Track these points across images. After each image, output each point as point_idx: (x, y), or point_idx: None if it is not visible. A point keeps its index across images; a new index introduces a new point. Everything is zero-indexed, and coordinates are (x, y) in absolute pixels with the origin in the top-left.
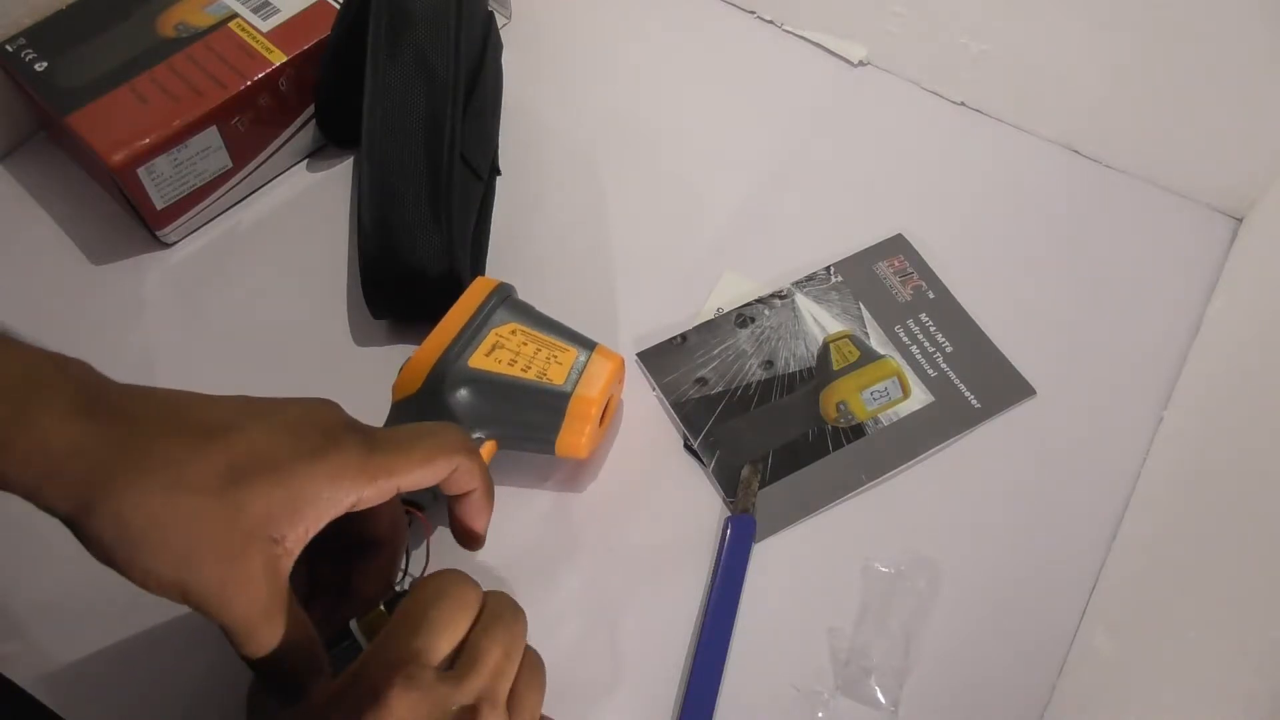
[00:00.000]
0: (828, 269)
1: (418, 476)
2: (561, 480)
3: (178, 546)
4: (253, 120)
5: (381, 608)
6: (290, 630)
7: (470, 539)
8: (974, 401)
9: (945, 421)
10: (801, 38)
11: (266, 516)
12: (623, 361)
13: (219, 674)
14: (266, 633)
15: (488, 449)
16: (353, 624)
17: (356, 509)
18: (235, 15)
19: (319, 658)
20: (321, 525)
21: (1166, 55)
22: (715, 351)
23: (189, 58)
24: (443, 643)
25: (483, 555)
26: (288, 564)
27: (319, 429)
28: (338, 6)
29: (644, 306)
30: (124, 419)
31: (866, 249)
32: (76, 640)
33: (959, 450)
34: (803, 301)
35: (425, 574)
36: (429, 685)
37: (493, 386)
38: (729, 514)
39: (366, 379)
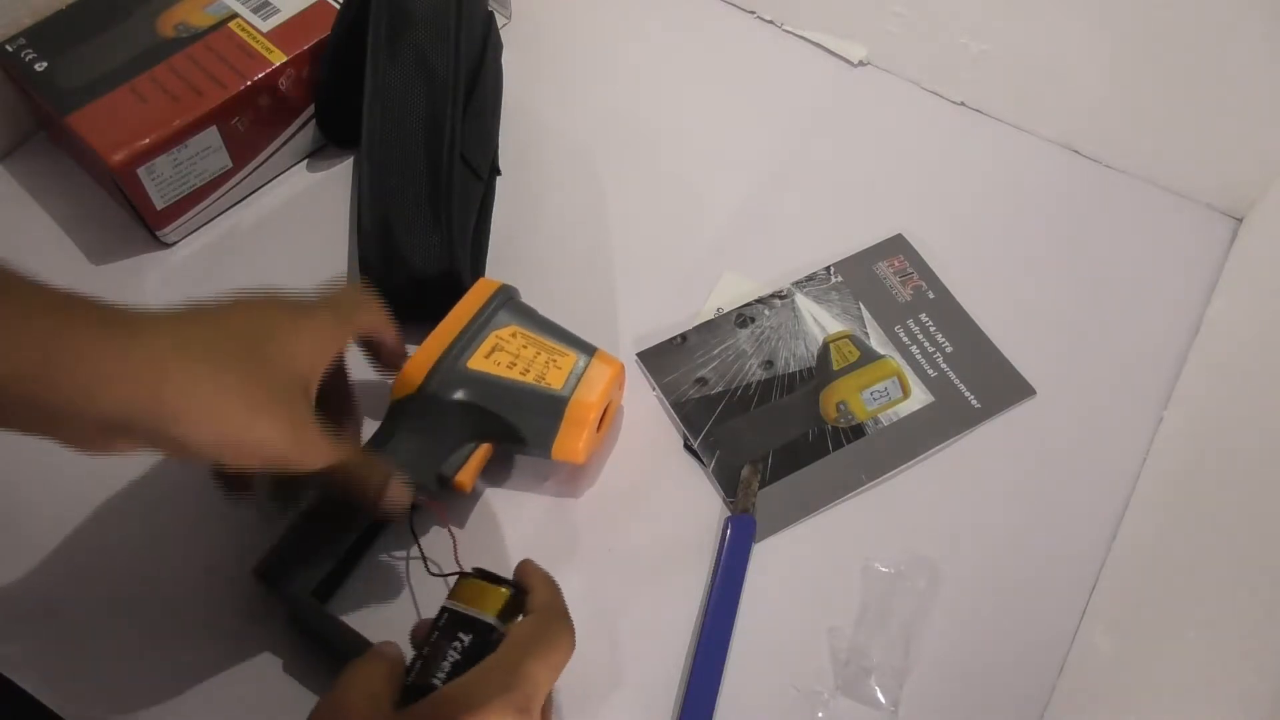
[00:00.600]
0: (828, 269)
1: (372, 319)
2: (562, 480)
3: (240, 408)
4: (253, 120)
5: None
6: (342, 446)
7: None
8: (974, 401)
9: (945, 421)
10: (801, 38)
11: (293, 365)
12: (622, 368)
13: (219, 674)
14: (327, 451)
15: (482, 452)
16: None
17: (338, 354)
18: (235, 15)
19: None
20: (327, 363)
21: (1167, 55)
22: (715, 351)
23: (189, 58)
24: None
25: (483, 555)
26: (313, 399)
27: (290, 304)
28: (338, 6)
29: (644, 306)
30: (147, 323)
31: (866, 249)
32: (77, 640)
33: (959, 450)
34: (803, 301)
35: (521, 573)
36: None
37: (490, 388)
38: (729, 514)
39: (366, 378)
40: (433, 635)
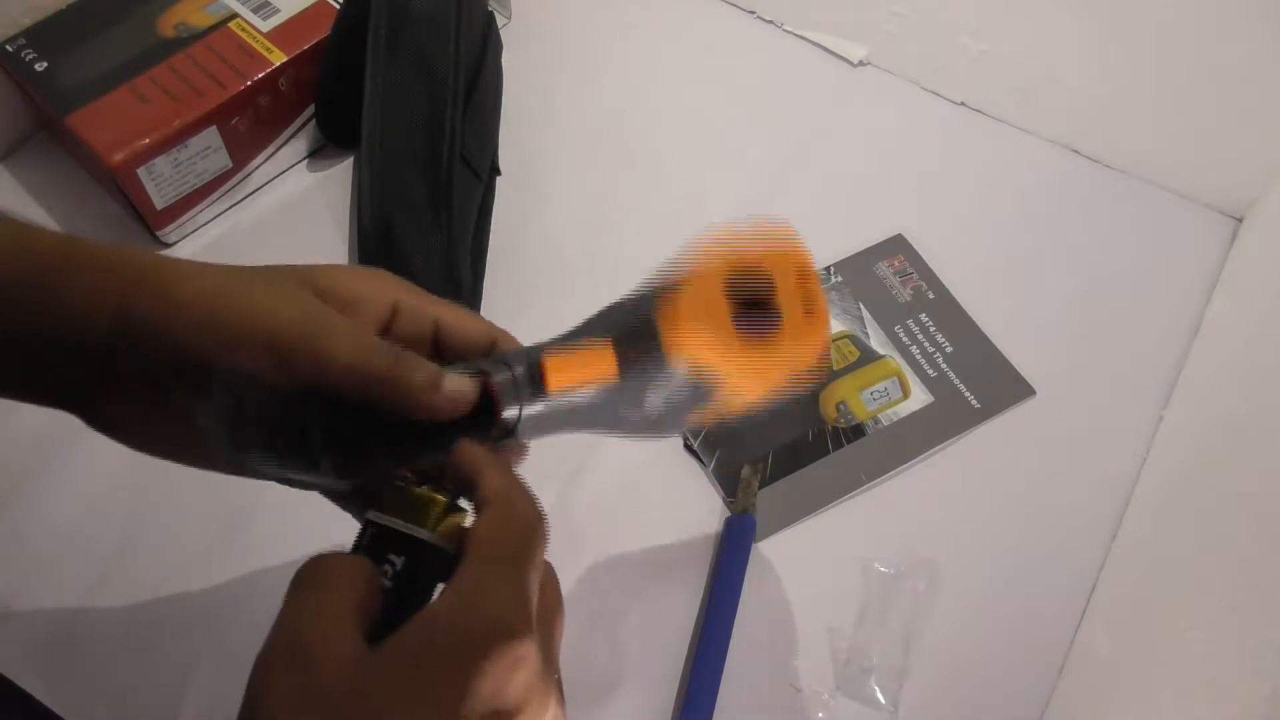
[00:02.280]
0: (828, 269)
1: (456, 315)
2: (562, 480)
3: (236, 276)
4: (253, 120)
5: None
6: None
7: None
8: (974, 402)
9: (945, 422)
10: (801, 38)
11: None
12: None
13: (219, 675)
14: (350, 335)
15: (594, 355)
16: (373, 515)
17: (398, 317)
18: (235, 15)
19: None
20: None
21: (1166, 55)
22: None
23: (189, 58)
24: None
25: None
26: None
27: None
28: (338, 6)
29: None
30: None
31: (866, 249)
32: (78, 643)
33: (959, 450)
34: None
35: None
36: (540, 673)
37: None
38: (729, 514)
39: None
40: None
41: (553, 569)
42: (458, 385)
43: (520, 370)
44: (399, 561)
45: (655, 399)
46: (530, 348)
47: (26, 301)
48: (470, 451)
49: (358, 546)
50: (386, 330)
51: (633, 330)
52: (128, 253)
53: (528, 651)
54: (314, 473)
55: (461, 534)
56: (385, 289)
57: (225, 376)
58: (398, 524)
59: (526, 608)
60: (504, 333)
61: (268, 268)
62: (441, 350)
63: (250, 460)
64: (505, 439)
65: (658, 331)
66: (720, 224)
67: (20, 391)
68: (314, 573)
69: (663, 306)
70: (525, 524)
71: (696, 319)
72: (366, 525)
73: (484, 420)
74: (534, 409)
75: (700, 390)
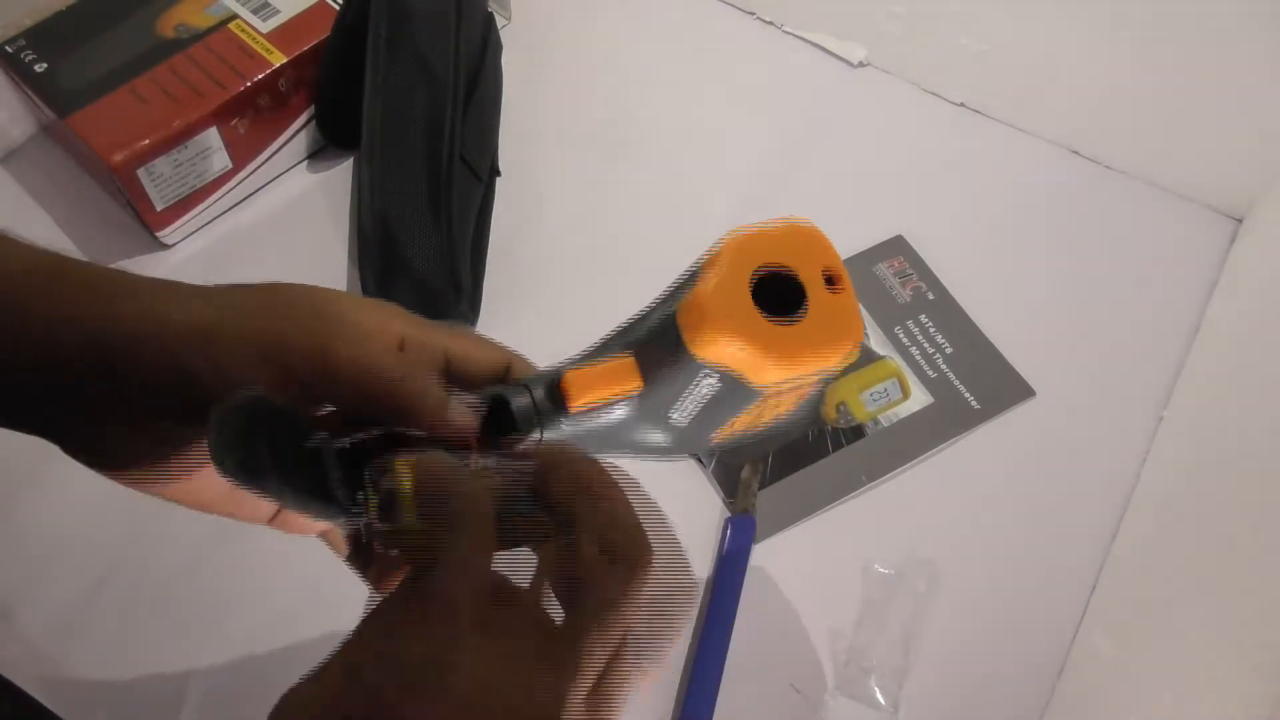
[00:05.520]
0: None
1: (466, 345)
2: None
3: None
4: (253, 121)
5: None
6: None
7: None
8: (973, 402)
9: (945, 422)
10: (801, 39)
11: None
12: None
13: (219, 676)
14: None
15: (614, 368)
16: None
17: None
18: (235, 16)
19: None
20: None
21: (1166, 56)
22: None
23: (189, 59)
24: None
25: None
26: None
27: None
28: (338, 7)
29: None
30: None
31: (866, 249)
32: (78, 643)
33: (959, 451)
34: None
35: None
36: None
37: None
38: (729, 514)
39: None
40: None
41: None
42: (458, 415)
43: (540, 392)
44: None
45: (684, 409)
46: (550, 369)
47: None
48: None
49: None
50: None
51: (654, 337)
52: (109, 273)
53: None
54: (325, 501)
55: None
56: (390, 321)
57: (230, 396)
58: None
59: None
60: (519, 357)
61: (262, 286)
62: (454, 382)
63: (260, 485)
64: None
65: (679, 334)
66: (735, 226)
67: None
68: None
69: (682, 308)
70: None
71: (718, 314)
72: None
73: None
74: (556, 432)
75: (731, 392)
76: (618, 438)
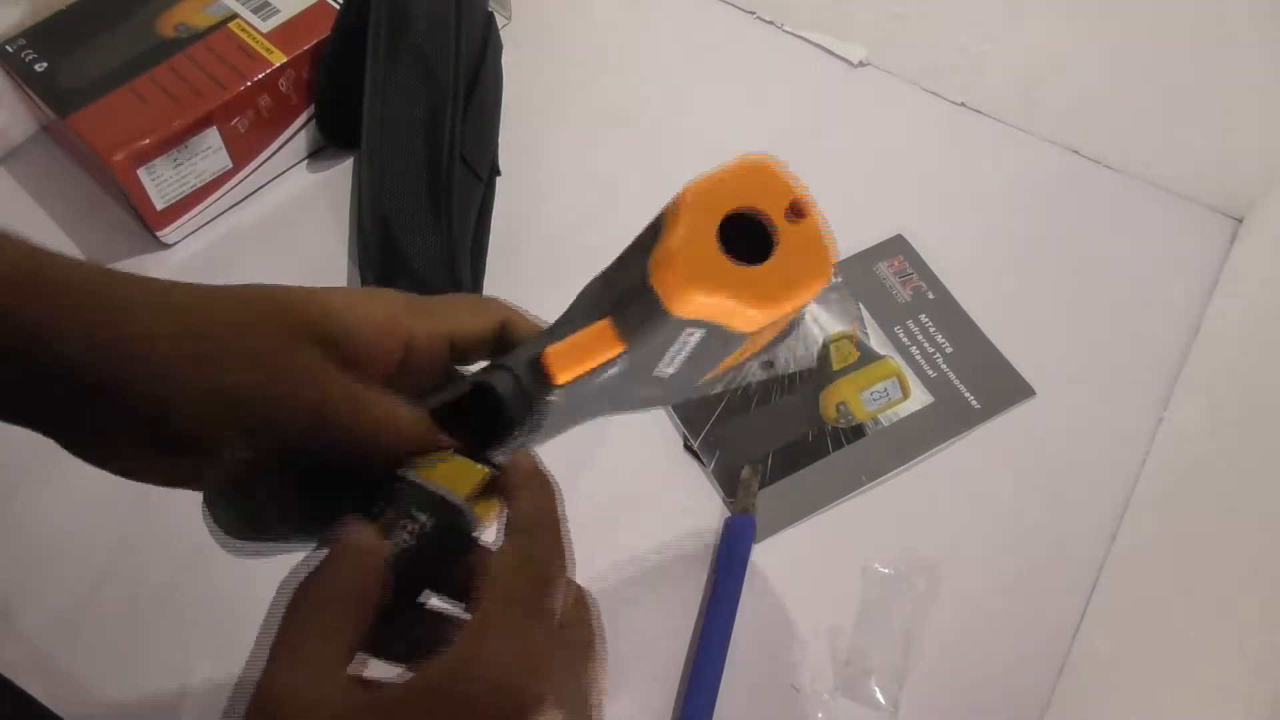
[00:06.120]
0: None
1: (465, 319)
2: (561, 480)
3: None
4: (253, 120)
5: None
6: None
7: None
8: (973, 402)
9: (945, 422)
10: (801, 38)
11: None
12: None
13: (219, 675)
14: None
15: (591, 335)
16: (411, 474)
17: (413, 352)
18: (235, 16)
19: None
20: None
21: (1166, 56)
22: None
23: (189, 58)
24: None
25: None
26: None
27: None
28: (338, 7)
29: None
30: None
31: (866, 249)
32: (78, 643)
33: (959, 451)
34: None
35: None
36: None
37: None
38: (729, 514)
39: None
40: (378, 509)
41: (588, 597)
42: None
43: (524, 371)
44: (428, 522)
45: (672, 361)
46: (528, 342)
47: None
48: (517, 464)
49: (384, 499)
50: (403, 365)
51: (630, 298)
52: (94, 276)
53: (543, 715)
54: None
55: (494, 514)
56: (395, 322)
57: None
58: (434, 486)
59: (540, 664)
60: (510, 311)
61: (259, 310)
62: (458, 354)
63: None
64: (526, 440)
65: (656, 295)
66: (693, 176)
67: None
68: (298, 610)
69: (654, 266)
70: (541, 563)
71: (692, 270)
72: (396, 481)
73: (497, 429)
74: (547, 407)
75: (716, 339)
76: (609, 397)
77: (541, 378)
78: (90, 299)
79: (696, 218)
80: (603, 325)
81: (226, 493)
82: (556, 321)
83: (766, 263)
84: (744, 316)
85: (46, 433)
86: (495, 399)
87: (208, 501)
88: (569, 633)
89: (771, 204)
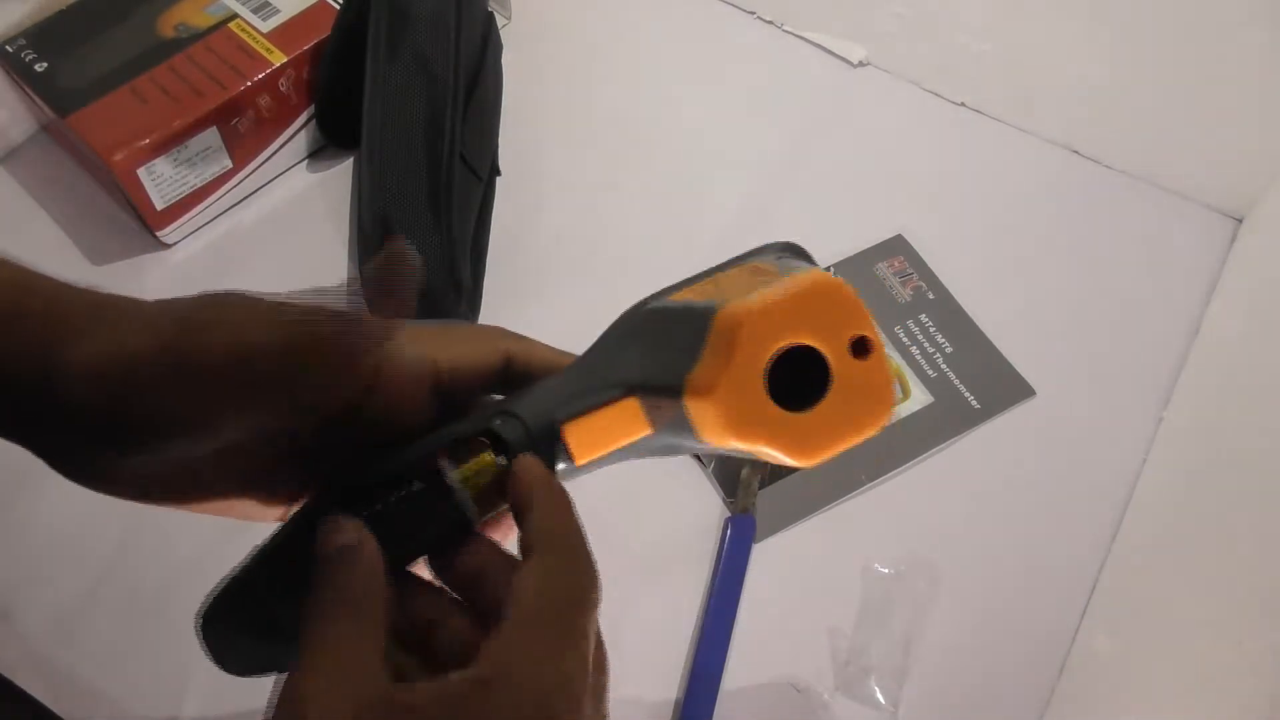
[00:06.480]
0: (827, 269)
1: (459, 350)
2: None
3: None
4: (253, 121)
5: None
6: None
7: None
8: (974, 402)
9: (945, 422)
10: (801, 38)
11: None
12: (838, 285)
13: (219, 675)
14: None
15: (617, 413)
16: (453, 474)
17: (379, 381)
18: (235, 16)
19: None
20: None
21: (1166, 56)
22: None
23: (189, 58)
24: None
25: None
26: None
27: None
28: (338, 7)
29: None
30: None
31: (866, 249)
32: (78, 643)
33: (959, 450)
34: None
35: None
36: None
37: (656, 315)
38: (729, 514)
39: None
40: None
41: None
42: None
43: (536, 426)
44: (416, 488)
45: (701, 446)
46: (545, 385)
47: None
48: (530, 472)
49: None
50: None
51: (660, 387)
52: (76, 297)
53: None
54: None
55: (487, 497)
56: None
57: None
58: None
59: (574, 687)
60: (518, 341)
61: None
62: (444, 393)
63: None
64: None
65: (686, 410)
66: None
67: None
68: (320, 615)
69: (690, 388)
70: (580, 581)
71: (731, 412)
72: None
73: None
74: (562, 476)
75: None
76: (631, 456)
77: (559, 447)
78: (59, 302)
79: (748, 349)
80: (630, 405)
81: (231, 596)
82: (580, 362)
83: (818, 406)
84: (781, 460)
85: (24, 444)
86: (503, 448)
87: (206, 619)
88: (598, 654)
89: (834, 336)
